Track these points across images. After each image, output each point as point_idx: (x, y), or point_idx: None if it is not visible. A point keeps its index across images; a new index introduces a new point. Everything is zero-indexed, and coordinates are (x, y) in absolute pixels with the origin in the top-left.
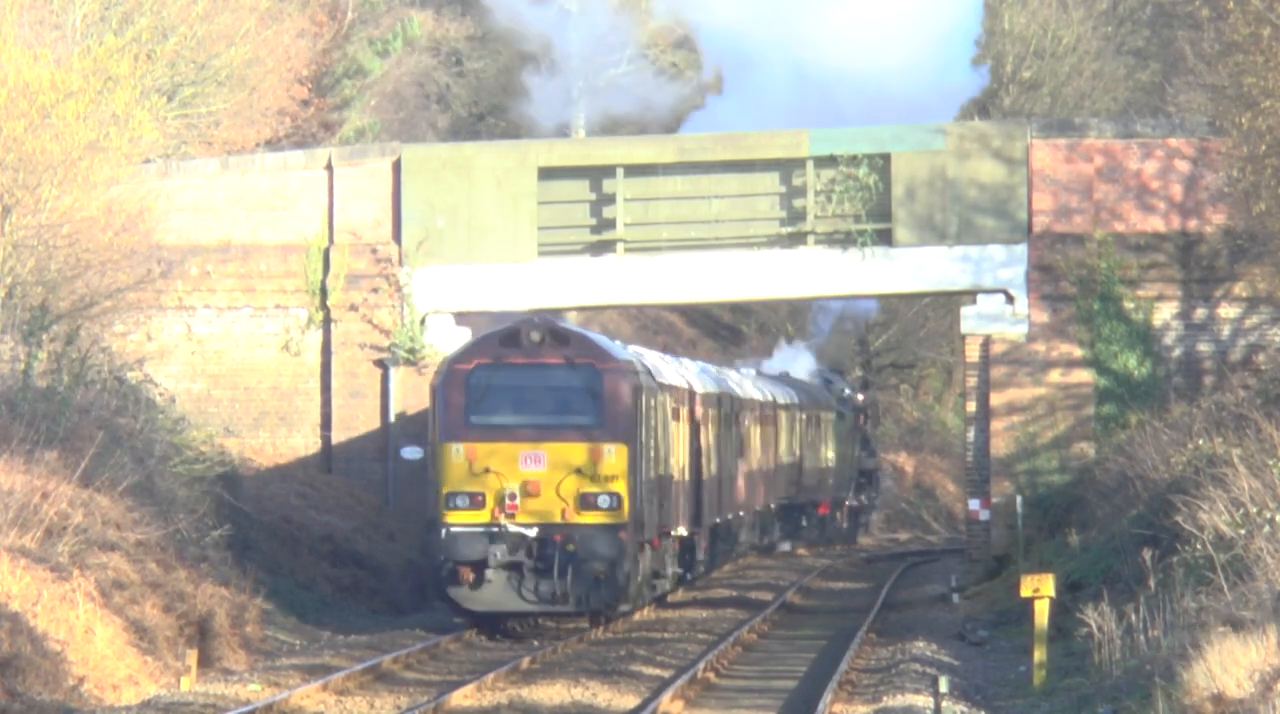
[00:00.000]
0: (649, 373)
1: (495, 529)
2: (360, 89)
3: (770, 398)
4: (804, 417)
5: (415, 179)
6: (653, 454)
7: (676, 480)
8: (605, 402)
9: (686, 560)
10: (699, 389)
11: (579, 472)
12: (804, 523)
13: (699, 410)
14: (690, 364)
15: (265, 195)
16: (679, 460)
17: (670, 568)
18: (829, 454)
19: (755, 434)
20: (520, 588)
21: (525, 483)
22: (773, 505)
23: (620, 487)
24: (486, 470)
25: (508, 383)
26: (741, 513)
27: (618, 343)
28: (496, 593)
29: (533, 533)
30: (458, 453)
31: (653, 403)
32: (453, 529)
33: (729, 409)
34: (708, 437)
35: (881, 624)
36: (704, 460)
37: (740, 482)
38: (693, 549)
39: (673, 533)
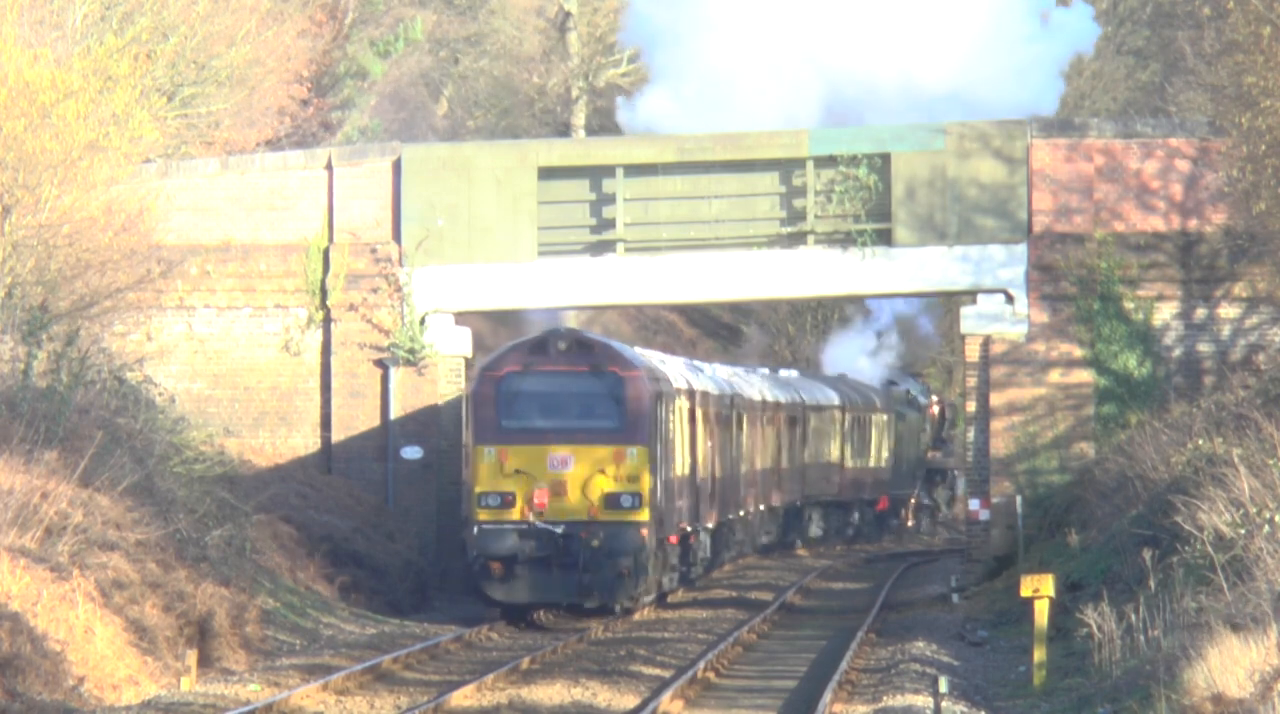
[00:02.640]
0: (666, 379)
1: (525, 526)
2: (361, 89)
3: (797, 400)
4: (849, 417)
5: (415, 179)
6: (670, 455)
7: (691, 479)
8: (627, 406)
9: (699, 556)
10: (712, 392)
11: (603, 472)
12: (854, 519)
13: (711, 413)
14: (704, 368)
15: (265, 195)
16: (693, 461)
17: (685, 561)
18: (883, 453)
19: (771, 435)
20: (548, 581)
21: (553, 483)
22: (797, 502)
23: (642, 486)
24: (516, 471)
25: (536, 389)
26: (752, 510)
27: (635, 348)
28: (525, 586)
29: (560, 530)
30: (490, 455)
31: (670, 407)
32: (485, 526)
33: (741, 411)
34: (720, 438)
35: (881, 624)
36: (716, 460)
37: (751, 480)
38: (705, 545)
39: (687, 529)
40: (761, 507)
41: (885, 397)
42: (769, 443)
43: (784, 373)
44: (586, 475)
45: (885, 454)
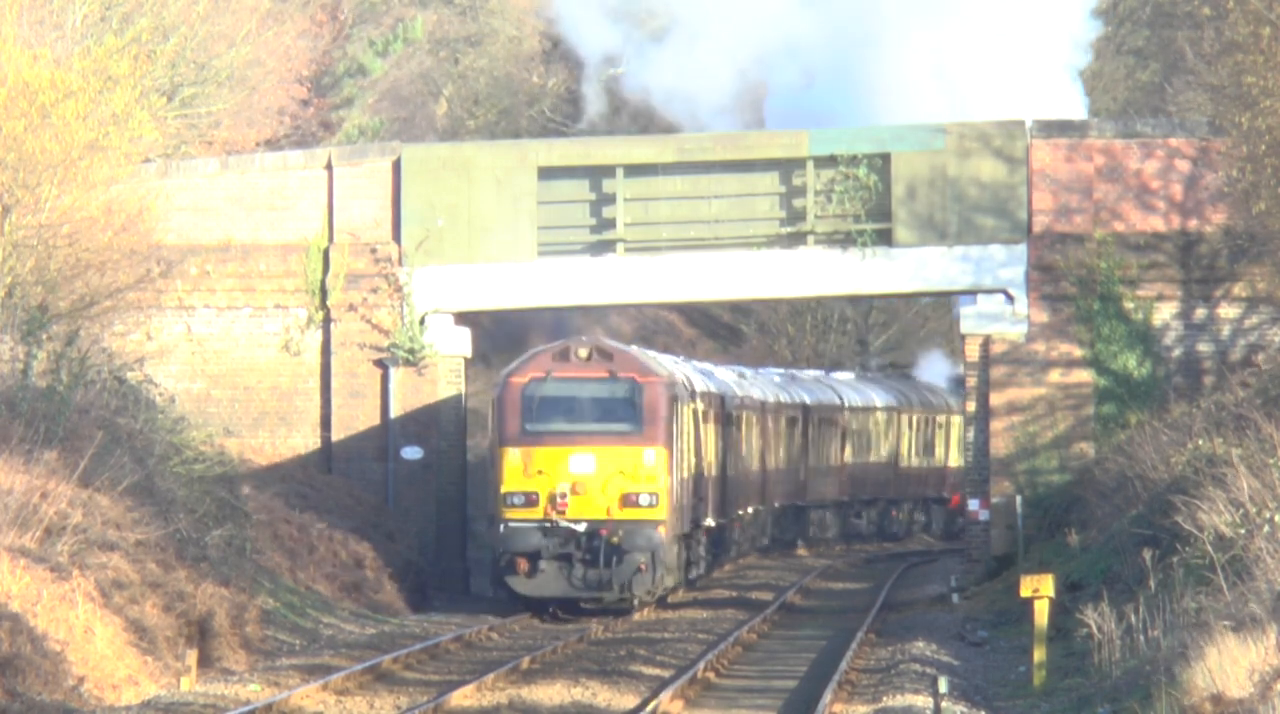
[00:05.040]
0: (680, 382)
1: (548, 524)
2: (361, 89)
3: (834, 401)
4: (905, 417)
5: (415, 179)
6: (684, 456)
7: (705, 479)
8: (645, 410)
9: (713, 550)
10: (724, 395)
11: (623, 473)
12: (919, 516)
13: (723, 415)
14: (715, 371)
15: (265, 195)
16: (707, 461)
17: (693, 558)
18: (951, 452)
19: (788, 435)
20: (570, 576)
21: (575, 483)
22: (836, 499)
23: (659, 486)
24: (540, 472)
25: (559, 394)
26: (762, 509)
27: (651, 353)
28: (549, 581)
29: (581, 527)
30: (514, 457)
31: (685, 410)
32: (510, 524)
33: (753, 413)
34: (729, 439)
35: (881, 624)
36: (728, 459)
37: (762, 478)
38: (719, 541)
39: (701, 524)
40: (776, 505)
41: (948, 398)
42: (786, 443)
43: (837, 375)
44: (607, 476)
45: (955, 452)
